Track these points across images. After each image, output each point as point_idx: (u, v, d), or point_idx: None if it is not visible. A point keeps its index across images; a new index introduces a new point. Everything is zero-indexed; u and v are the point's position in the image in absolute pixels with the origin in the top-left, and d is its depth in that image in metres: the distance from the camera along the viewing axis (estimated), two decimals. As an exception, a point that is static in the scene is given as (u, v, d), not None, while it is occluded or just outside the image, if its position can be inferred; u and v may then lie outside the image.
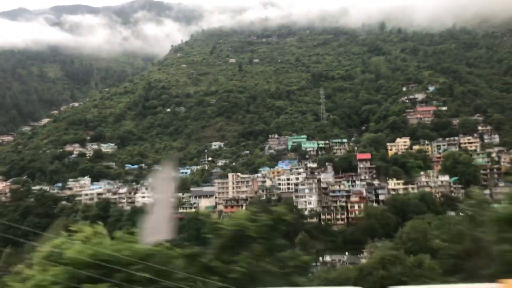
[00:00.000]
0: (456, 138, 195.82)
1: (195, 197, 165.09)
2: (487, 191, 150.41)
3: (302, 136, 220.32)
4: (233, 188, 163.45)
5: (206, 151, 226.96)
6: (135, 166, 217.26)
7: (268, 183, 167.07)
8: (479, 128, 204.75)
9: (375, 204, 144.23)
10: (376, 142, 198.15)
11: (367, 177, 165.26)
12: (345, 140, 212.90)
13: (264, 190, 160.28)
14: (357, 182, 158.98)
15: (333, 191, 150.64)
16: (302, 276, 20.46)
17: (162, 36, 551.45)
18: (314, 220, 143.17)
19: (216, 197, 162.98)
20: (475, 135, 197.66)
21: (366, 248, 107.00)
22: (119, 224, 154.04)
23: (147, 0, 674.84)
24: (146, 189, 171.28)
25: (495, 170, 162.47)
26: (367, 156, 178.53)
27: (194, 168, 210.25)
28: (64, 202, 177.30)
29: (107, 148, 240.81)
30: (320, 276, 68.63)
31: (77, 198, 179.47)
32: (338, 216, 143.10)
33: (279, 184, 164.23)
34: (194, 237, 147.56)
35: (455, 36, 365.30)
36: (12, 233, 23.66)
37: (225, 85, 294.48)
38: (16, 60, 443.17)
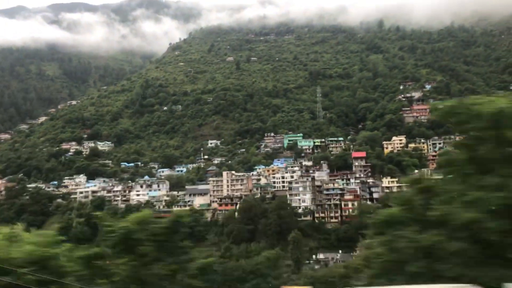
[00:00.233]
0: (452, 136, 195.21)
1: (190, 195, 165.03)
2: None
3: (298, 135, 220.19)
4: (227, 186, 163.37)
5: (202, 149, 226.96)
6: (131, 164, 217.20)
7: (263, 181, 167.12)
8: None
9: (369, 202, 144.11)
10: (372, 141, 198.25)
11: (362, 175, 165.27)
12: (341, 139, 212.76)
13: (259, 188, 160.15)
14: (352, 180, 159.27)
15: (327, 189, 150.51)
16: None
17: (160, 34, 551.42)
18: (308, 218, 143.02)
19: (210, 195, 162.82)
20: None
21: (359, 246, 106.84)
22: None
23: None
24: (141, 187, 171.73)
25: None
26: (363, 154, 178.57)
27: (190, 166, 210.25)
28: (59, 200, 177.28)
29: (103, 146, 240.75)
30: (307, 274, 68.88)
31: (72, 196, 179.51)
32: (332, 214, 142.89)
33: (274, 182, 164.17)
34: (189, 234, 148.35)
35: (453, 34, 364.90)
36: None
37: (223, 83, 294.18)
38: (14, 58, 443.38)
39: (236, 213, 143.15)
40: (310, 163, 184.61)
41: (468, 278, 12.01)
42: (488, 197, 12.92)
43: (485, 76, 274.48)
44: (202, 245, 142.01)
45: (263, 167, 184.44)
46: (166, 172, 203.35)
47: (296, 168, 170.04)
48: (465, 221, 12.75)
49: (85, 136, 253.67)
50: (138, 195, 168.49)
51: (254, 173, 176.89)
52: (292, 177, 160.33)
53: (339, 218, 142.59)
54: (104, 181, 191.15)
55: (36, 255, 14.91)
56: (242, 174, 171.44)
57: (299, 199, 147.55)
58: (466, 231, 12.74)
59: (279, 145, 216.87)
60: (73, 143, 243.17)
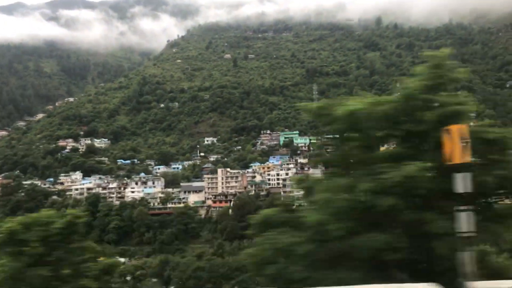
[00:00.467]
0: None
1: (185, 192, 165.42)
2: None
3: (294, 132, 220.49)
4: (222, 183, 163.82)
5: (198, 146, 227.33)
6: (128, 162, 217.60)
7: (258, 178, 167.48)
8: (471, 124, 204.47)
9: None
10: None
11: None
12: (337, 135, 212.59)
13: (253, 186, 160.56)
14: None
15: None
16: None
17: (158, 31, 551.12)
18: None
19: (205, 192, 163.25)
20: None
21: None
22: (108, 218, 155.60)
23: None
24: (136, 184, 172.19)
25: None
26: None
27: (186, 163, 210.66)
28: (54, 197, 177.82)
29: (100, 143, 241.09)
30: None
31: (67, 193, 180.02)
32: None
33: (269, 179, 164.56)
34: (183, 231, 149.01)
35: (451, 32, 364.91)
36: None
37: (219, 80, 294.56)
38: (12, 55, 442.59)
39: (230, 210, 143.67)
40: (305, 161, 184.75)
41: (313, 280, 12.28)
42: (335, 199, 13.26)
43: (482, 74, 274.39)
44: (196, 242, 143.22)
45: (259, 164, 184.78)
46: (162, 169, 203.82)
47: (291, 166, 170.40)
48: (312, 222, 13.07)
49: (82, 133, 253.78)
50: (133, 192, 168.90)
51: (250, 170, 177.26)
52: (287, 174, 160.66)
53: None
54: (100, 178, 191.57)
55: None
56: (236, 171, 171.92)
57: (293, 196, 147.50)
58: (317, 232, 13.02)
59: (275, 142, 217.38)
60: (70, 140, 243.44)
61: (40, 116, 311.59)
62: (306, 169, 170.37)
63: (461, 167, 11.39)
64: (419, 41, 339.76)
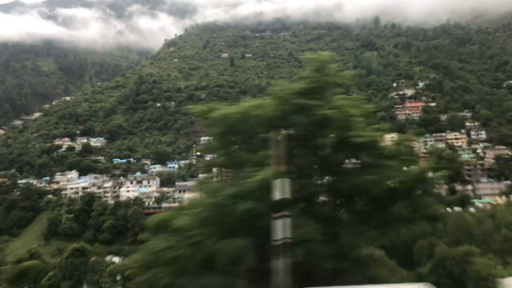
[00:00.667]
0: (443, 134, 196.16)
1: (180, 191, 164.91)
2: (469, 187, 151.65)
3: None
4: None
5: (194, 146, 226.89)
6: (123, 161, 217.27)
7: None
8: (467, 124, 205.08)
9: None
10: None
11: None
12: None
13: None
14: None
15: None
16: None
17: (156, 30, 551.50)
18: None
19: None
20: (462, 131, 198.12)
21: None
22: (102, 217, 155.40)
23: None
24: (131, 183, 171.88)
25: (478, 166, 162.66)
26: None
27: (182, 162, 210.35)
28: (50, 196, 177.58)
29: (96, 142, 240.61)
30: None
31: (63, 192, 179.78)
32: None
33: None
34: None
35: (449, 32, 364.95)
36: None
37: (216, 79, 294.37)
38: (10, 54, 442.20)
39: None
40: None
41: (177, 286, 12.22)
42: (202, 203, 13.33)
43: (479, 74, 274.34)
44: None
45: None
46: (158, 168, 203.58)
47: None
48: (179, 226, 12.97)
49: (78, 132, 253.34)
50: (128, 191, 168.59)
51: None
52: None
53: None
54: (95, 177, 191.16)
55: None
56: (232, 170, 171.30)
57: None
58: (185, 237, 12.96)
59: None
60: (66, 139, 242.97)
61: (37, 115, 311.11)
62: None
63: (283, 173, 11.64)
64: (417, 41, 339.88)
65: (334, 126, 14.35)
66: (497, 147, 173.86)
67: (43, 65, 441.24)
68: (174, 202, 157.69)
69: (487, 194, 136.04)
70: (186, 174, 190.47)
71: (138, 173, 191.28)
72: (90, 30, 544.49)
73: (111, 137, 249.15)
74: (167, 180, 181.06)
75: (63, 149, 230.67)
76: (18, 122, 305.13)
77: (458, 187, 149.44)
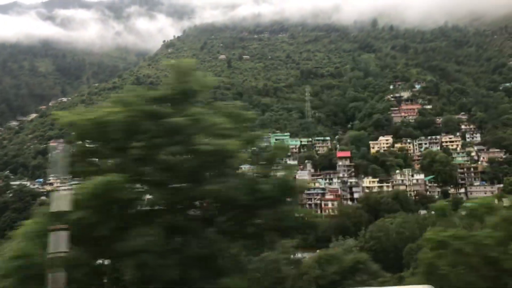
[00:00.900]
0: (438, 136, 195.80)
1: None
2: (462, 190, 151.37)
3: (285, 134, 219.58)
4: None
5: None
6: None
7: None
8: (462, 126, 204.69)
9: (349, 202, 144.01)
10: (358, 140, 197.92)
11: (345, 175, 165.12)
12: (327, 138, 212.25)
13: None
14: (335, 180, 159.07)
15: (308, 189, 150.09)
16: None
17: (155, 31, 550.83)
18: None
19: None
20: (458, 134, 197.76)
21: (331, 246, 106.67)
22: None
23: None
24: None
25: (472, 169, 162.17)
26: (347, 154, 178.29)
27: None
28: (43, 198, 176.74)
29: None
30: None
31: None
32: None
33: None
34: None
35: (447, 34, 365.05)
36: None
37: (213, 81, 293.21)
38: (7, 54, 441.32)
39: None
40: (295, 163, 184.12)
41: None
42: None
43: (476, 76, 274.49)
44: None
45: (248, 166, 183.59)
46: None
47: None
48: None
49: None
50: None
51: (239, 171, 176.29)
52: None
53: (319, 218, 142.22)
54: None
55: None
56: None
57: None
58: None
59: (266, 144, 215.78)
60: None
61: (33, 115, 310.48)
62: (295, 170, 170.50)
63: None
64: (414, 43, 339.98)
65: (185, 134, 14.20)
66: (491, 150, 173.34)
67: (40, 65, 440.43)
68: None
69: (480, 198, 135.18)
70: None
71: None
72: (88, 31, 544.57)
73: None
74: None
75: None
76: (14, 123, 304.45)
77: (451, 190, 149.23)
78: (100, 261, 13.51)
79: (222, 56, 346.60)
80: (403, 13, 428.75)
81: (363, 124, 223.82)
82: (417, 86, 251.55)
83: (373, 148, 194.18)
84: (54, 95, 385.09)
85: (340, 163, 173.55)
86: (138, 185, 13.99)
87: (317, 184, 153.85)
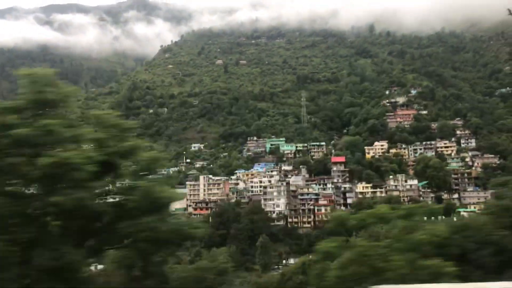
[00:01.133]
0: (433, 142, 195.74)
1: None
2: (456, 196, 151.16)
3: (281, 139, 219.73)
4: (204, 190, 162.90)
5: (185, 152, 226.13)
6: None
7: (241, 185, 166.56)
8: (458, 132, 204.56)
9: (343, 208, 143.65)
10: (353, 145, 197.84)
11: (339, 180, 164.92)
12: (323, 143, 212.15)
13: (235, 193, 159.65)
14: (328, 185, 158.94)
15: (302, 194, 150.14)
16: None
17: (153, 36, 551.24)
18: (282, 223, 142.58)
19: (187, 200, 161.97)
20: (453, 139, 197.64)
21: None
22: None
23: (135, 0, 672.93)
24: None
25: (466, 175, 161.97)
26: (342, 159, 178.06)
27: (172, 170, 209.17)
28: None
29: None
30: (245, 280, 68.28)
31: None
32: (305, 219, 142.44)
33: (252, 186, 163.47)
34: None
35: (443, 40, 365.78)
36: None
37: (209, 86, 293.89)
38: (5, 59, 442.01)
39: (210, 218, 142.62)
40: (290, 168, 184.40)
41: None
42: None
43: (472, 82, 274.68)
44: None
45: (243, 171, 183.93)
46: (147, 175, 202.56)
47: (274, 173, 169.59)
48: None
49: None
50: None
51: (234, 177, 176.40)
52: (269, 181, 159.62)
53: (312, 223, 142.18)
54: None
55: None
56: (218, 178, 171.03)
57: (273, 204, 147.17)
58: None
59: (261, 149, 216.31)
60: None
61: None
62: (290, 176, 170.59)
63: None
64: (411, 49, 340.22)
65: (33, 145, 14.07)
66: (485, 155, 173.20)
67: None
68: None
69: (473, 203, 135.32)
70: (175, 182, 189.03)
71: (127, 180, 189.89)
72: (86, 36, 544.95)
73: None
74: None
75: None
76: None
77: (445, 195, 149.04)
78: None
79: (219, 61, 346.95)
80: (400, 18, 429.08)
81: (359, 130, 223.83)
82: (413, 92, 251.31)
83: (368, 153, 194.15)
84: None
85: (334, 168, 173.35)
86: None
87: (310, 190, 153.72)
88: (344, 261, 18.26)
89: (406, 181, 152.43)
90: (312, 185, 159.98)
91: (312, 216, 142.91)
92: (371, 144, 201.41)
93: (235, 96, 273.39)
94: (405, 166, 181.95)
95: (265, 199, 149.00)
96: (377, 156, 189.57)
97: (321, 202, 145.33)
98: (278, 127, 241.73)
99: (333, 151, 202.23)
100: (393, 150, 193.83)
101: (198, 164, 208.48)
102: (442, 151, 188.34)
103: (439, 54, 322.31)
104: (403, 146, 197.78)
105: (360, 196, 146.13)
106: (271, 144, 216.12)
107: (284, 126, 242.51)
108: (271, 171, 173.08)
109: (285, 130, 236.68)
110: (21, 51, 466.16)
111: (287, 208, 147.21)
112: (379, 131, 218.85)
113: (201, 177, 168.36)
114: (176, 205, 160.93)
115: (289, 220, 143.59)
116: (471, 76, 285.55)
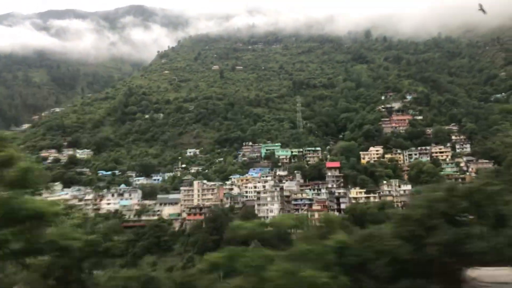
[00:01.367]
0: (428, 147, 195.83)
1: (160, 204, 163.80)
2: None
3: (276, 144, 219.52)
4: (198, 195, 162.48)
5: (180, 158, 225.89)
6: (109, 173, 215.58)
7: (236, 191, 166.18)
8: (453, 137, 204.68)
9: (336, 213, 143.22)
10: (348, 151, 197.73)
11: (334, 185, 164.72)
12: (318, 148, 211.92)
13: (229, 198, 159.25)
14: (323, 191, 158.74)
15: (296, 200, 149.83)
16: None
17: (150, 42, 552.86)
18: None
19: (181, 205, 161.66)
20: (448, 144, 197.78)
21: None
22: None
23: (132, 6, 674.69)
24: (112, 195, 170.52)
25: (460, 180, 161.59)
26: (337, 164, 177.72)
27: (167, 175, 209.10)
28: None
29: (82, 154, 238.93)
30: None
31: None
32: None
33: (246, 192, 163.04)
34: (155, 245, 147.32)
35: (440, 45, 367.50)
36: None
37: (205, 91, 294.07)
38: (2, 65, 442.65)
39: (203, 223, 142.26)
40: (284, 173, 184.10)
41: None
42: None
43: (468, 87, 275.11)
44: (167, 255, 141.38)
45: (238, 176, 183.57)
46: (142, 181, 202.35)
47: (269, 178, 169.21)
48: None
49: (65, 144, 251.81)
50: (108, 204, 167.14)
51: (228, 182, 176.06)
52: (264, 187, 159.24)
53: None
54: (79, 190, 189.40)
55: None
56: (213, 183, 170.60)
57: (267, 209, 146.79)
58: None
59: (256, 154, 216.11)
60: (53, 150, 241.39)
61: (26, 126, 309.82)
62: (284, 181, 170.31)
63: None
64: (407, 54, 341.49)
65: None
66: (480, 161, 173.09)
67: (35, 76, 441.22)
68: (154, 215, 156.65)
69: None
70: (170, 187, 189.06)
71: (123, 186, 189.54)
72: (83, 41, 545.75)
73: (98, 149, 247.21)
74: (149, 193, 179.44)
75: (48, 161, 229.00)
76: (6, 134, 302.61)
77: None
78: None
79: (215, 67, 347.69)
80: (397, 24, 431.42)
81: (354, 135, 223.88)
82: (408, 97, 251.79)
83: (363, 158, 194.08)
84: (48, 105, 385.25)
85: (329, 173, 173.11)
86: None
87: (304, 195, 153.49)
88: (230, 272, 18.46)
89: (399, 186, 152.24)
90: (306, 190, 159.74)
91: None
92: (367, 149, 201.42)
93: (231, 102, 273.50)
94: (399, 171, 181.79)
95: (258, 205, 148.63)
96: (372, 162, 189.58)
97: (314, 207, 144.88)
98: (274, 132, 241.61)
99: (328, 156, 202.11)
100: (388, 156, 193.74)
101: (194, 170, 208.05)
102: (437, 156, 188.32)
103: (435, 60, 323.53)
104: (398, 151, 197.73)
105: (353, 201, 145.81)
106: (267, 150, 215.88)
107: (280, 132, 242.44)
108: (266, 176, 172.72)
109: (281, 135, 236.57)
110: (18, 57, 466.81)
111: (281, 213, 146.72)
112: (374, 137, 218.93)
113: (195, 183, 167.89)
114: (170, 210, 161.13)
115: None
116: (466, 82, 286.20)
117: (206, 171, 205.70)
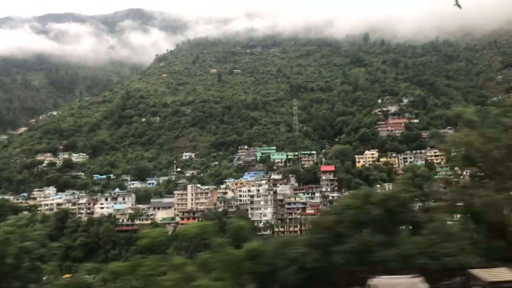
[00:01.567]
0: (424, 151, 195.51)
1: (154, 208, 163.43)
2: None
3: (272, 148, 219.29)
4: (192, 199, 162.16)
5: (175, 161, 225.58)
6: (103, 176, 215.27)
7: (230, 194, 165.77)
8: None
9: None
10: (343, 154, 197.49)
11: (328, 189, 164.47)
12: (313, 152, 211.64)
13: (223, 202, 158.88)
14: (316, 194, 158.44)
15: (289, 203, 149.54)
16: None
17: (148, 45, 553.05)
18: (268, 232, 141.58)
19: (174, 209, 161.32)
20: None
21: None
22: (75, 234, 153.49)
23: (130, 9, 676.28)
24: (106, 199, 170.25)
25: (453, 183, 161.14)
26: (331, 168, 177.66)
27: (162, 179, 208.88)
28: (25, 212, 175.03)
29: (78, 157, 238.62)
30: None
31: (38, 209, 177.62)
32: (292, 228, 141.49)
33: (240, 195, 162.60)
34: (147, 249, 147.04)
35: (437, 48, 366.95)
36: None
37: (203, 95, 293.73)
38: (1, 68, 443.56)
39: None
40: (279, 177, 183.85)
41: None
42: None
43: (465, 91, 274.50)
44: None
45: (233, 180, 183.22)
46: (137, 184, 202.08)
47: (263, 182, 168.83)
48: None
49: (61, 147, 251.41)
50: (102, 208, 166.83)
51: (223, 186, 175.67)
52: (258, 190, 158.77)
53: (299, 232, 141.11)
54: (73, 193, 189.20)
55: None
56: (207, 187, 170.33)
57: (260, 213, 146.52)
58: None
59: (252, 158, 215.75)
60: (48, 154, 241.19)
61: (23, 129, 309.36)
62: (279, 185, 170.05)
63: None
64: (405, 58, 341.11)
65: None
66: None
67: (33, 79, 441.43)
68: (147, 219, 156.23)
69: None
70: (164, 191, 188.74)
71: (117, 189, 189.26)
72: (82, 45, 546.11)
73: (94, 153, 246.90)
74: (143, 197, 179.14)
75: (44, 165, 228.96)
76: (3, 137, 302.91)
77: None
78: None
79: (213, 70, 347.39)
80: (395, 27, 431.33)
81: (350, 138, 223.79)
82: (405, 101, 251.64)
83: (358, 162, 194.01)
84: (46, 108, 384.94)
85: (323, 177, 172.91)
86: None
87: (298, 199, 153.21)
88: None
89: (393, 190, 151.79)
90: (300, 194, 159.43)
91: (298, 226, 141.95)
92: (362, 153, 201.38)
93: (228, 105, 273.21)
94: (394, 175, 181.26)
95: (252, 208, 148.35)
96: (367, 165, 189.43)
97: (308, 211, 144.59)
98: (270, 135, 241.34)
99: (323, 159, 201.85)
100: (383, 159, 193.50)
101: (189, 173, 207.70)
102: (432, 159, 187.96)
103: (433, 63, 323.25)
104: (393, 154, 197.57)
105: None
106: (262, 153, 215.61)
107: (276, 135, 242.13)
108: (260, 180, 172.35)
109: (277, 138, 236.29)
110: (17, 60, 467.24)
111: (274, 217, 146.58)
112: (370, 140, 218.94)
113: (189, 186, 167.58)
114: (164, 214, 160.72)
115: (276, 229, 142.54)
116: (463, 85, 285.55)
117: (201, 174, 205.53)
